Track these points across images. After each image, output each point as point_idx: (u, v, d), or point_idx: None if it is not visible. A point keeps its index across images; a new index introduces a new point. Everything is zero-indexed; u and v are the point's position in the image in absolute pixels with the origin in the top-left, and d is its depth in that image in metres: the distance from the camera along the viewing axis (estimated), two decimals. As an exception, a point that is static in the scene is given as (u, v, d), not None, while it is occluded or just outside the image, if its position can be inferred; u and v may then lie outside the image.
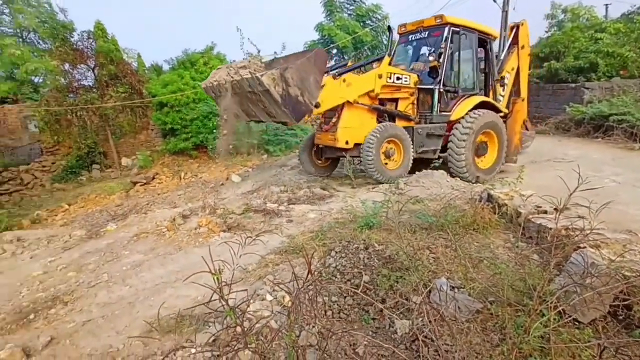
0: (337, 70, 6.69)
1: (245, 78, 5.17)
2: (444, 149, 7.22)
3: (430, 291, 2.55)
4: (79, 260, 4.15)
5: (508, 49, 8.38)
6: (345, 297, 2.84)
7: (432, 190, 5.10)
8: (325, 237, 3.76)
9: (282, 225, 4.52)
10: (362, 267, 3.14)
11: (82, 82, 14.04)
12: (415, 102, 7.05)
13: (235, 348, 1.59)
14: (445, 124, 7.10)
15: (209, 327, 2.50)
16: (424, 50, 7.34)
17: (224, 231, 4.57)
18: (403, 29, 7.92)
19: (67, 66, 13.66)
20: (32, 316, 3.05)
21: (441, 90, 6.91)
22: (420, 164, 7.05)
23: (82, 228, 5.51)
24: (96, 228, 5.46)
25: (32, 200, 10.91)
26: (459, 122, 7.00)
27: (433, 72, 6.93)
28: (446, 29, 6.87)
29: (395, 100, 6.93)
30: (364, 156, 6.12)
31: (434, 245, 3.21)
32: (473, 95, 7.41)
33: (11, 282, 3.72)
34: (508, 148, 7.83)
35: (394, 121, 6.84)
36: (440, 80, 6.84)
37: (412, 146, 6.71)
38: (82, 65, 13.81)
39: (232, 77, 5.45)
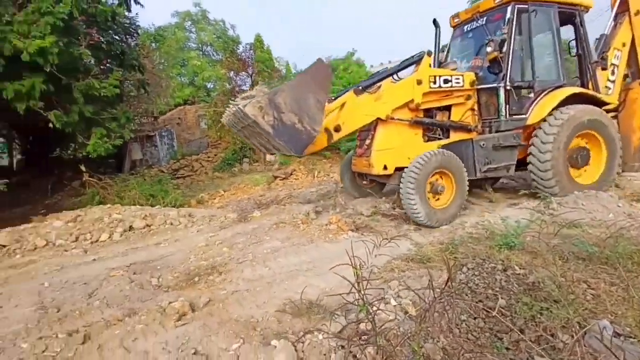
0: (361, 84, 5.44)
1: (233, 112, 4.52)
2: (523, 163, 5.64)
3: (585, 332, 2.16)
4: (231, 239, 4.88)
5: (615, 20, 6.25)
6: (475, 318, 2.64)
7: (595, 214, 4.28)
8: (457, 250, 3.55)
9: (409, 232, 4.45)
10: (497, 289, 2.87)
11: (242, 87, 16.42)
12: (475, 107, 5.65)
13: (364, 343, 1.66)
14: (521, 131, 5.53)
15: (335, 318, 2.65)
16: (486, 41, 5.73)
17: (352, 230, 4.75)
18: (456, 20, 6.49)
19: (232, 74, 16.17)
20: (196, 279, 3.73)
21: (508, 87, 5.36)
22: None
23: (234, 212, 6.47)
24: (245, 213, 6.34)
25: (198, 185, 13.23)
26: (541, 126, 5.44)
27: (495, 66, 5.49)
28: (509, 8, 5.39)
29: (448, 108, 5.61)
30: (403, 195, 4.76)
31: (594, 280, 2.71)
32: (559, 87, 5.64)
33: (184, 249, 4.63)
34: (624, 152, 5.81)
35: (448, 134, 5.56)
36: (505, 74, 5.33)
37: (473, 165, 5.29)
38: (243, 72, 16.15)
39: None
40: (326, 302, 2.91)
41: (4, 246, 4.70)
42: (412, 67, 5.42)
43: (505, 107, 5.42)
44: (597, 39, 6.29)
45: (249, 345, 2.48)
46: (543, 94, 5.57)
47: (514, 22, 5.38)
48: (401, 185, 4.80)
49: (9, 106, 7.10)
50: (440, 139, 5.53)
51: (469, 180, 5.12)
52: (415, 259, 3.58)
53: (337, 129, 4.95)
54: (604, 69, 6.12)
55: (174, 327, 2.79)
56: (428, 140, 5.50)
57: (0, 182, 6.03)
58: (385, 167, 5.14)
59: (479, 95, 5.66)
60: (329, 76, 4.42)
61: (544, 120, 5.44)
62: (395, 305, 2.78)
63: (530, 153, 5.46)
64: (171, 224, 5.83)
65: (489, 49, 5.37)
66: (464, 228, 4.51)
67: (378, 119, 5.18)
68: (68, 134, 8.24)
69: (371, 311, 1.73)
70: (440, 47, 6.50)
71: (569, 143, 5.39)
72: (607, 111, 5.86)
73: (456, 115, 5.57)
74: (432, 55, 5.54)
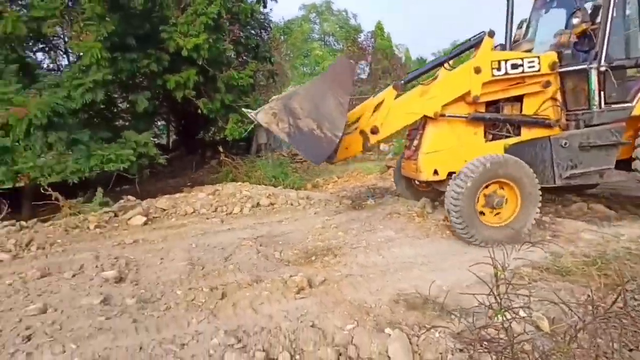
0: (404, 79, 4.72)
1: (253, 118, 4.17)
2: (625, 165, 4.45)
3: None
4: (345, 224, 5.02)
5: None
6: (631, 350, 2.20)
7: None
8: (608, 267, 3.00)
9: (546, 239, 3.92)
10: (668, 320, 2.33)
11: (360, 76, 16.57)
12: (557, 96, 4.46)
13: (492, 351, 1.53)
14: (623, 125, 4.30)
15: (452, 318, 2.51)
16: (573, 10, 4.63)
17: (473, 229, 4.40)
18: None
19: (351, 62, 16.43)
20: (313, 258, 3.96)
21: (602, 68, 4.17)
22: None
23: (348, 198, 6.62)
24: (358, 200, 6.44)
25: (313, 170, 13.89)
26: None
27: (584, 42, 4.41)
28: None
29: (519, 99, 4.52)
30: (447, 203, 4.00)
31: None
32: None
33: (302, 228, 4.96)
34: None
35: (519, 132, 4.52)
36: (598, 52, 4.19)
37: (551, 170, 4.29)
38: (362, 61, 16.25)
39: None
40: (442, 299, 2.77)
41: (164, 210, 5.73)
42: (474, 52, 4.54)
43: (599, 94, 4.26)
44: None
45: (362, 328, 2.54)
46: None
47: None
48: (445, 199, 4.02)
49: (170, 95, 8.53)
50: (509, 136, 4.55)
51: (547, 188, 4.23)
52: (552, 269, 3.14)
53: (375, 130, 4.37)
54: None
55: (293, 299, 3.03)
56: (493, 139, 4.58)
57: (162, 157, 7.30)
58: (435, 172, 4.40)
59: (563, 80, 4.51)
60: (351, 74, 3.87)
61: None
62: (524, 317, 2.50)
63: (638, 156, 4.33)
64: (291, 204, 6.28)
65: (575, 21, 4.40)
66: (618, 241, 3.77)
67: (426, 118, 4.45)
68: (210, 119, 9.54)
69: (508, 318, 1.58)
70: (514, 22, 5.31)
71: None
72: None
73: (530, 107, 4.52)
74: (507, 33, 4.75)
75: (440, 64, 4.71)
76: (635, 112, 4.35)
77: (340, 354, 2.32)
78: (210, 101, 8.51)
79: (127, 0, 7.18)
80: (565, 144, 4.32)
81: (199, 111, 8.59)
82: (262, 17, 11.33)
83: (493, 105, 4.63)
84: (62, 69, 9.07)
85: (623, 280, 1.66)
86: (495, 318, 1.55)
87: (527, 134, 4.53)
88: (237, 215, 5.78)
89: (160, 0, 7.77)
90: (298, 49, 21.40)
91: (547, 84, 4.45)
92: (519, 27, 5.48)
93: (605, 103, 4.36)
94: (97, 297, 3.06)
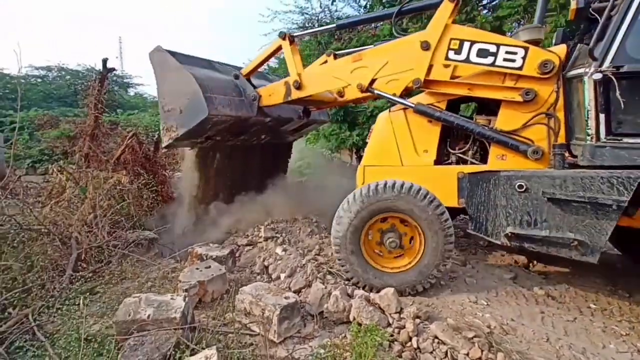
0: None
1: None
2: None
3: None
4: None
5: None
6: None
7: None
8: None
9: None
10: None
11: None
12: (558, 115, 2.94)
13: None
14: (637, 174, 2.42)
15: None
16: None
17: None
18: None
19: None
20: None
21: (598, 76, 2.57)
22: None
23: None
24: None
25: None
26: None
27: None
28: None
29: (493, 106, 3.22)
30: (332, 240, 3.24)
31: None
32: None
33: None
34: None
35: (486, 153, 3.27)
36: (596, 49, 2.59)
37: (493, 220, 3.01)
38: None
39: None
40: None
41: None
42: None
43: (596, 117, 2.63)
44: None
45: None
46: None
47: None
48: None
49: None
50: (475, 163, 3.29)
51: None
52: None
53: (298, 85, 3.85)
54: None
55: None
56: (459, 162, 3.38)
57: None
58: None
59: (568, 93, 2.92)
60: (165, 55, 3.99)
61: None
62: None
63: None
64: None
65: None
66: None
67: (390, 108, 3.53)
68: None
69: None
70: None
71: None
72: None
73: (508, 121, 3.08)
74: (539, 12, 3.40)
75: (385, 18, 3.89)
76: None
77: None
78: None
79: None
80: (522, 187, 2.86)
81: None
82: None
83: (458, 104, 3.58)
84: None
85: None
86: None
87: (497, 162, 3.17)
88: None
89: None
90: None
91: (529, 94, 3.00)
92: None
93: (611, 133, 2.62)
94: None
